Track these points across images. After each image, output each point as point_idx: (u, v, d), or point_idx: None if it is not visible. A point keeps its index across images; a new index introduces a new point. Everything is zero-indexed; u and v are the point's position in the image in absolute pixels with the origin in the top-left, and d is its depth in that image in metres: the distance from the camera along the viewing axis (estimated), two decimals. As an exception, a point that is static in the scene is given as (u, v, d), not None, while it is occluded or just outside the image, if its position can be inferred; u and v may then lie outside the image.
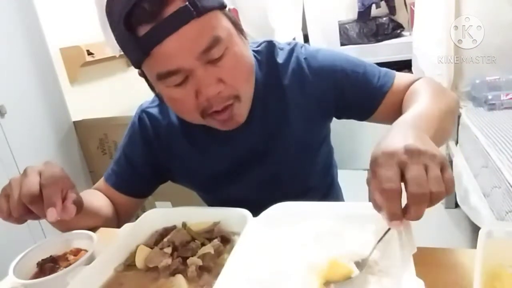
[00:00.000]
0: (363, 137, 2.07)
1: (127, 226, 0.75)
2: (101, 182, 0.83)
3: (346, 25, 2.79)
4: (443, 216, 2.05)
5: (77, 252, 0.65)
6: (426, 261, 0.50)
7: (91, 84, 2.19)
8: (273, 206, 0.59)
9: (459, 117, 1.83)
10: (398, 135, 0.46)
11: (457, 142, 1.94)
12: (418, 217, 0.42)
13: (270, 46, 0.76)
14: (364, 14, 2.74)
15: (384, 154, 0.43)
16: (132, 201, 0.82)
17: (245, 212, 0.60)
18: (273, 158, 0.76)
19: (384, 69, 0.76)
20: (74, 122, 2.03)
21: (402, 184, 0.42)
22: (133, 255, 0.59)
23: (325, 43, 2.75)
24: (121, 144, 0.82)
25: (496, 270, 0.42)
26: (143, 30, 0.56)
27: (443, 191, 0.41)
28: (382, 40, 2.72)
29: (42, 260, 0.62)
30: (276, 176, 0.77)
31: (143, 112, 0.80)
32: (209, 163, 0.77)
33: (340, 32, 2.79)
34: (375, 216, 0.45)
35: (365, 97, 0.73)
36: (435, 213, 2.08)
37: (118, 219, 0.81)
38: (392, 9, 2.83)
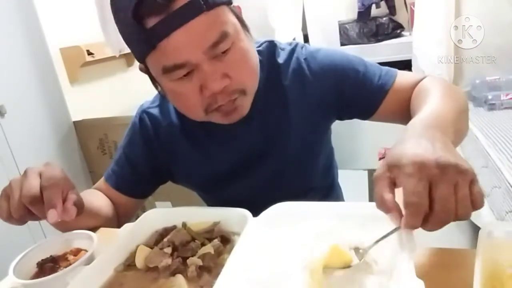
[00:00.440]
0: (363, 137, 2.06)
1: (127, 226, 0.75)
2: (101, 182, 0.83)
3: (346, 25, 2.80)
4: (443, 216, 2.04)
5: (77, 252, 0.65)
6: (426, 261, 0.50)
7: (91, 84, 2.19)
8: (273, 206, 0.59)
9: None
10: (424, 141, 0.44)
11: (457, 142, 1.94)
12: (434, 230, 0.41)
13: (271, 46, 0.76)
14: (364, 14, 2.74)
15: (415, 164, 0.41)
16: (132, 201, 0.82)
17: (245, 212, 0.60)
18: (273, 159, 0.76)
19: (385, 67, 0.75)
20: (74, 122, 2.03)
21: None
22: (133, 255, 0.59)
23: (325, 43, 2.75)
24: (121, 144, 0.82)
25: (496, 270, 0.42)
26: (151, 22, 0.55)
27: (469, 212, 0.40)
28: (382, 40, 2.72)
29: (42, 260, 0.62)
30: (277, 177, 0.77)
31: (144, 113, 0.79)
32: (210, 163, 0.77)
33: (340, 32, 2.79)
34: (375, 216, 0.45)
35: (366, 96, 0.72)
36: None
37: (118, 219, 0.81)
38: (392, 9, 2.83)
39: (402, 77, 0.73)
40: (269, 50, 0.75)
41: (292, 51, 0.75)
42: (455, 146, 0.53)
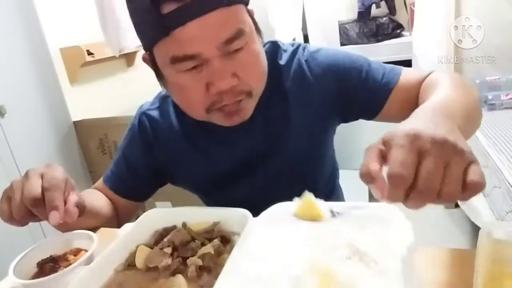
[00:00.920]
0: (363, 137, 2.07)
1: (127, 226, 0.74)
2: (100, 182, 0.83)
3: (346, 25, 2.79)
4: (443, 216, 2.05)
5: (77, 252, 0.65)
6: (426, 261, 0.50)
7: (91, 84, 2.19)
8: (273, 206, 0.59)
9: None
10: (426, 120, 0.42)
11: (457, 142, 1.94)
12: (415, 208, 0.39)
13: (274, 47, 0.75)
14: (364, 14, 2.74)
15: (407, 135, 0.38)
16: (131, 203, 0.81)
17: (245, 212, 0.60)
18: (274, 160, 0.75)
19: (389, 65, 0.73)
20: (74, 122, 2.03)
21: None
22: (133, 255, 0.59)
23: (325, 43, 2.75)
24: (121, 146, 0.81)
25: (496, 270, 0.42)
26: (168, 7, 0.54)
27: (455, 195, 0.37)
28: (382, 40, 2.72)
29: (42, 260, 0.62)
30: (278, 179, 0.76)
31: (143, 115, 0.79)
32: (210, 164, 0.77)
33: (340, 32, 2.79)
34: (375, 216, 0.45)
35: (370, 94, 0.71)
36: (435, 213, 2.09)
37: (118, 219, 0.81)
38: (392, 9, 2.83)
39: (408, 74, 0.71)
40: (272, 51, 0.75)
41: (294, 52, 0.74)
42: (467, 136, 0.50)
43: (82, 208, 0.61)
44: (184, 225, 0.64)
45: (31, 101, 1.81)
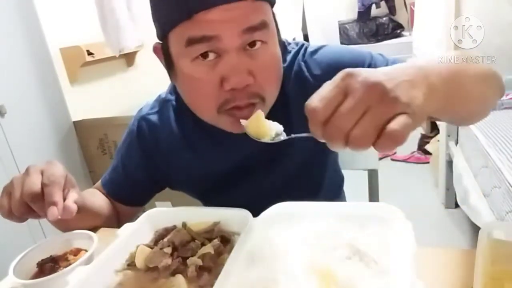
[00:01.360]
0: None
1: (127, 226, 0.74)
2: (98, 185, 0.83)
3: (346, 25, 2.80)
4: (443, 216, 2.05)
5: (77, 252, 0.65)
6: (426, 261, 0.50)
7: (91, 84, 2.19)
8: (273, 206, 0.59)
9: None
10: (393, 68, 0.39)
11: (457, 142, 1.94)
12: (331, 148, 0.38)
13: (281, 48, 0.75)
14: (364, 14, 2.74)
15: (342, 73, 0.37)
16: (128, 208, 0.81)
17: (245, 212, 0.60)
18: (275, 165, 0.74)
19: (392, 57, 0.72)
20: (74, 122, 2.03)
21: None
22: (133, 255, 0.59)
23: (325, 43, 2.75)
24: (119, 151, 0.80)
25: (496, 270, 0.42)
26: None
27: (366, 139, 0.35)
28: (382, 40, 2.72)
29: (42, 260, 0.62)
30: (278, 185, 0.75)
31: (143, 120, 0.77)
32: (210, 168, 0.76)
33: (340, 32, 2.80)
34: (375, 216, 0.45)
35: None
36: (435, 213, 2.09)
37: (118, 221, 0.81)
38: (392, 9, 2.84)
39: None
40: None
41: (296, 53, 0.73)
42: (473, 109, 0.48)
43: (81, 205, 0.61)
44: (184, 225, 0.64)
45: (31, 101, 1.81)
